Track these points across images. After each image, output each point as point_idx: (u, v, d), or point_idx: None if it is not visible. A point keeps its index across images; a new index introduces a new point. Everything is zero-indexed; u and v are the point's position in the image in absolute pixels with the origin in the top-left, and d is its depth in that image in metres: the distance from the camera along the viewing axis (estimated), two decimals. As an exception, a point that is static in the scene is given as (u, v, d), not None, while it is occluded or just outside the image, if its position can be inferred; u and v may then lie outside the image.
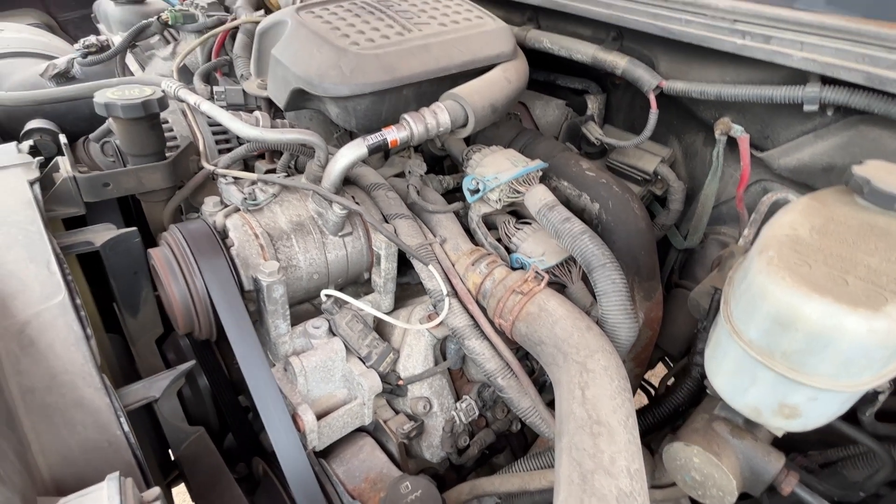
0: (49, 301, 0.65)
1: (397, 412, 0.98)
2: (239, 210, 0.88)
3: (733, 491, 0.62)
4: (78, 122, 1.42)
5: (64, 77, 1.36)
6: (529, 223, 1.01)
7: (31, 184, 0.77)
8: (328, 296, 0.87)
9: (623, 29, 1.08)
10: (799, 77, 0.86)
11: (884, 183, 0.60)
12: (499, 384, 0.86)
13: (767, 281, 0.54)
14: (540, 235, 0.97)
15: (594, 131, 1.28)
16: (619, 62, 1.09)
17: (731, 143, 1.06)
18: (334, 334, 0.91)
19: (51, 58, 1.48)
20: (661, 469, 0.80)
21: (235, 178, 0.90)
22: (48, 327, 0.64)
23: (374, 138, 0.84)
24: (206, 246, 0.79)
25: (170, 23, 1.30)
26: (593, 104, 1.37)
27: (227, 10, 1.37)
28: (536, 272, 0.84)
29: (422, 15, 1.04)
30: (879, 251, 0.55)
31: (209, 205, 0.92)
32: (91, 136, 1.39)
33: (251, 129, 0.81)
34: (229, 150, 1.16)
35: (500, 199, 0.97)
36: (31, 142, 0.91)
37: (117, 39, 1.42)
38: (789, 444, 0.77)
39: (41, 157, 0.84)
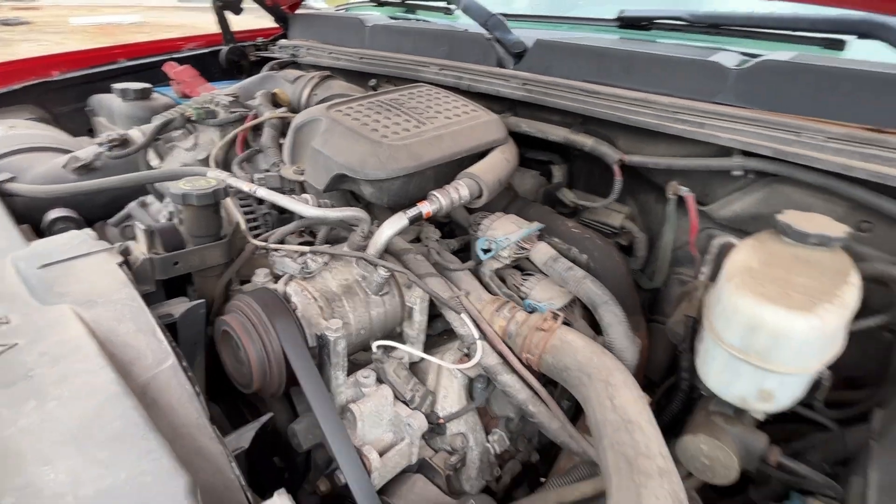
0: (161, 365, 0.75)
1: (436, 451, 1.09)
2: (293, 278, 1.01)
3: (735, 466, 0.79)
4: (94, 209, 1.51)
5: (86, 169, 1.46)
6: (533, 274, 1.21)
7: (120, 266, 0.87)
8: (379, 346, 1.00)
9: (587, 116, 1.36)
10: (727, 151, 1.15)
11: (800, 226, 0.85)
12: (530, 411, 1.01)
13: (738, 299, 0.75)
14: (545, 283, 1.17)
15: (568, 195, 1.53)
16: (586, 142, 1.36)
17: (680, 200, 1.33)
18: (381, 382, 1.03)
19: (65, 151, 1.58)
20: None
21: (288, 251, 1.03)
22: (164, 388, 0.73)
23: (412, 212, 1.02)
24: (278, 309, 0.91)
25: (193, 118, 1.45)
26: (558, 173, 1.64)
27: (243, 106, 1.55)
28: (553, 313, 1.03)
29: (429, 111, 1.27)
30: (805, 273, 0.79)
31: (260, 276, 1.05)
32: (109, 221, 1.48)
33: (313, 209, 0.97)
34: (256, 227, 1.30)
35: (509, 256, 1.16)
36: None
37: (135, 133, 1.55)
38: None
39: (121, 243, 0.94)
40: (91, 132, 2.10)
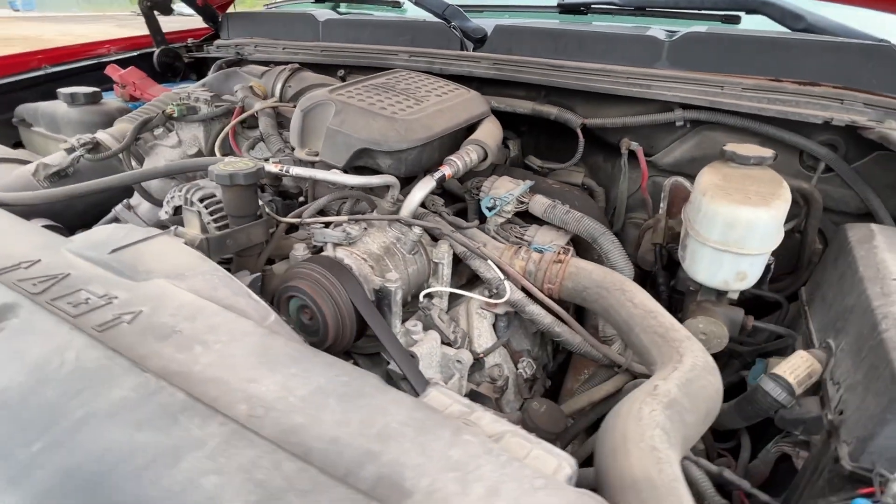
0: (267, 320, 0.81)
1: (478, 384, 1.24)
2: (338, 246, 1.10)
3: (726, 334, 1.05)
4: (73, 217, 1.44)
5: (58, 176, 1.39)
6: (528, 226, 1.40)
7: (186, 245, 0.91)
8: (426, 295, 1.13)
9: (550, 88, 1.58)
10: (667, 107, 1.42)
11: (741, 152, 1.12)
12: (555, 331, 1.20)
13: (716, 206, 1.00)
14: (543, 230, 1.36)
15: (535, 161, 1.75)
16: (552, 111, 1.58)
17: (631, 154, 1.59)
18: (426, 330, 1.15)
19: (22, 162, 1.48)
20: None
21: (326, 223, 1.12)
22: (283, 339, 0.80)
23: (437, 174, 1.15)
24: (341, 270, 1.01)
25: (175, 115, 1.44)
26: (513, 146, 1.86)
27: (219, 98, 1.56)
28: (564, 248, 1.22)
29: (419, 91, 1.40)
30: (755, 184, 1.06)
31: (299, 250, 1.12)
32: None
33: (354, 177, 1.07)
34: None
35: (511, 211, 1.34)
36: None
37: (103, 136, 1.49)
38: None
39: (173, 227, 0.97)
40: (19, 145, 1.93)
